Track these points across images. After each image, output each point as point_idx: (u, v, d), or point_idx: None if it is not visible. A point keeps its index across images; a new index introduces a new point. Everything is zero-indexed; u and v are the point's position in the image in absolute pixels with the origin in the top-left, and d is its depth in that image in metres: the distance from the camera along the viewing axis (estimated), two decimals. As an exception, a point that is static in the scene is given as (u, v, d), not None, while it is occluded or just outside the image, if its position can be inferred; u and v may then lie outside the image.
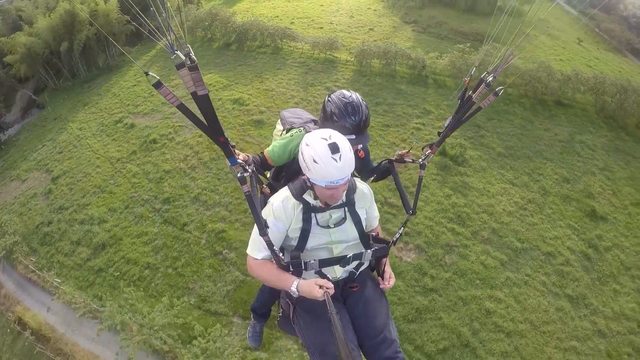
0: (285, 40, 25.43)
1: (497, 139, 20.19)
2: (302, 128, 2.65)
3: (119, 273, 14.30)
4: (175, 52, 1.54)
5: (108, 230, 15.76)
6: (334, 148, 1.94)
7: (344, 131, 2.32)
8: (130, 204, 16.62)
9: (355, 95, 2.51)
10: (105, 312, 11.72)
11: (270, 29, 25.15)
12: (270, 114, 20.23)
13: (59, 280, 14.64)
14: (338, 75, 23.14)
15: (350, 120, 2.42)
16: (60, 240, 15.98)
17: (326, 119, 2.48)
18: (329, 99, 2.52)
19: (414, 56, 23.32)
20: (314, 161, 1.95)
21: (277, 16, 30.32)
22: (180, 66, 1.55)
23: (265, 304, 3.26)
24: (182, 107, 1.69)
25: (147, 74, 1.56)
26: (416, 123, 20.12)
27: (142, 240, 15.20)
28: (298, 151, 2.38)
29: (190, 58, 1.56)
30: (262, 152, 2.66)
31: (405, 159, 2.89)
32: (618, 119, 23.99)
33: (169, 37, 1.52)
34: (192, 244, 14.75)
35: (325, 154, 1.93)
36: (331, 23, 29.77)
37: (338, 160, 1.93)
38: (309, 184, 2.12)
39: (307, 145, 2.01)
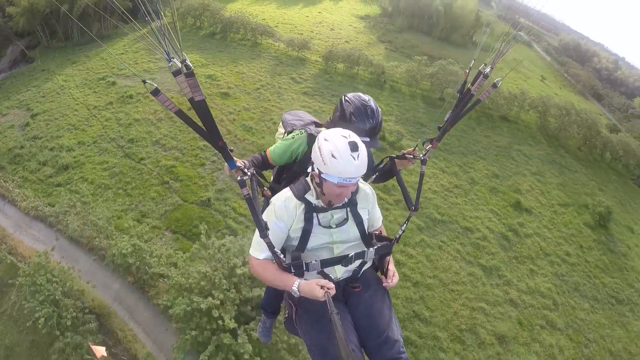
0: (264, 36, 30.00)
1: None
2: (303, 130, 2.78)
3: (75, 188, 17.37)
4: (172, 59, 1.65)
5: (74, 157, 19.03)
6: (354, 146, 2.07)
7: (359, 133, 2.42)
8: (98, 140, 20.00)
9: (372, 100, 2.66)
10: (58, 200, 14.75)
11: (253, 24, 29.80)
12: (237, 90, 24.24)
13: (19, 191, 17.54)
14: (304, 70, 27.53)
15: (369, 123, 2.57)
16: (28, 161, 19.10)
17: (343, 119, 2.61)
18: (347, 99, 2.65)
19: (375, 62, 27.90)
20: (333, 156, 2.06)
21: (264, 19, 35.16)
22: (177, 73, 1.67)
23: (273, 303, 3.52)
24: (180, 114, 1.83)
25: (144, 81, 1.70)
26: (363, 114, 24.12)
27: (102, 167, 18.46)
28: (300, 153, 2.68)
29: (186, 65, 1.69)
30: (264, 151, 2.83)
31: (407, 156, 2.99)
32: (560, 139, 27.97)
33: (165, 45, 1.64)
34: (145, 173, 18.06)
35: (345, 151, 2.05)
36: (312, 31, 34.75)
37: (356, 158, 2.06)
38: (317, 180, 2.20)
39: (325, 140, 2.12)
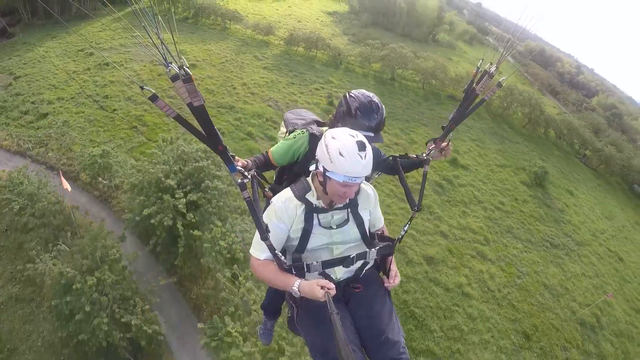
0: (232, 21, 34.48)
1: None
2: (304, 130, 2.88)
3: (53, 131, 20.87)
4: (170, 64, 1.70)
5: (53, 108, 22.57)
6: (362, 145, 2.17)
7: (364, 129, 2.58)
8: (75, 97, 23.66)
9: (376, 96, 2.79)
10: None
11: (223, 10, 34.21)
12: (203, 62, 28.36)
13: (1, 132, 20.88)
14: (267, 50, 31.91)
15: (374, 119, 2.70)
16: (11, 111, 22.51)
17: (348, 114, 2.71)
18: (352, 95, 2.76)
19: (332, 45, 32.43)
20: (340, 154, 2.14)
21: (235, 9, 39.64)
22: (174, 78, 1.72)
23: (273, 303, 3.69)
24: (179, 119, 1.89)
25: (142, 88, 1.72)
26: (316, 87, 28.44)
27: (79, 115, 22.07)
28: (301, 153, 2.86)
29: (184, 70, 1.75)
30: (266, 152, 2.93)
31: (409, 155, 3.16)
32: (506, 117, 32.04)
33: (162, 50, 1.69)
34: (116, 120, 21.77)
35: (353, 149, 2.15)
36: (279, 22, 39.35)
37: (363, 157, 2.16)
38: (320, 178, 2.29)
39: (333, 138, 2.21)
